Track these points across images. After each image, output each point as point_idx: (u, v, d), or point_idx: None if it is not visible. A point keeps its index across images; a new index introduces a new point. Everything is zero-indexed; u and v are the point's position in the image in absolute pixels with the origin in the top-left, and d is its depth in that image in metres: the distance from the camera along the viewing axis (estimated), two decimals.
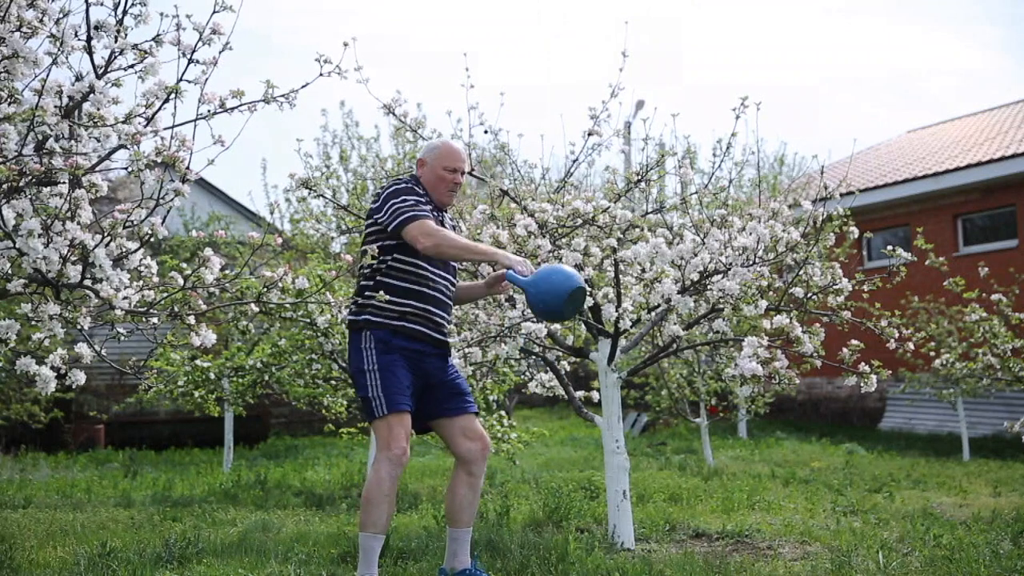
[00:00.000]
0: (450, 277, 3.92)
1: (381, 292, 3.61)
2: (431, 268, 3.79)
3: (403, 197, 3.71)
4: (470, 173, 5.23)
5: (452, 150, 3.88)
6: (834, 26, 47.89)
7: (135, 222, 3.01)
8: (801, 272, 4.68)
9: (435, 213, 3.83)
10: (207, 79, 3.06)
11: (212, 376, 8.13)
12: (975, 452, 10.92)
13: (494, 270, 4.06)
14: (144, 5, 3.08)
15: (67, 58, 3.00)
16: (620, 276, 4.76)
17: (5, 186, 2.84)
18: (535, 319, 4.45)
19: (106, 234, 2.93)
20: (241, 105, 3.09)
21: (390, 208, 3.69)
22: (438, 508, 5.76)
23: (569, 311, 3.66)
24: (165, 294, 3.14)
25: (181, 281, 3.13)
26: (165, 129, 3.01)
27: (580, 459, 9.67)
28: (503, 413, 7.50)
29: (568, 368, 5.79)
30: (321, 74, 3.32)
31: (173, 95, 2.99)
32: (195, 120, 3.06)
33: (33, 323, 3.01)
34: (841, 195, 4.98)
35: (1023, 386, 6.76)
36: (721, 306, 4.63)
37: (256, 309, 3.72)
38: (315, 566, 4.17)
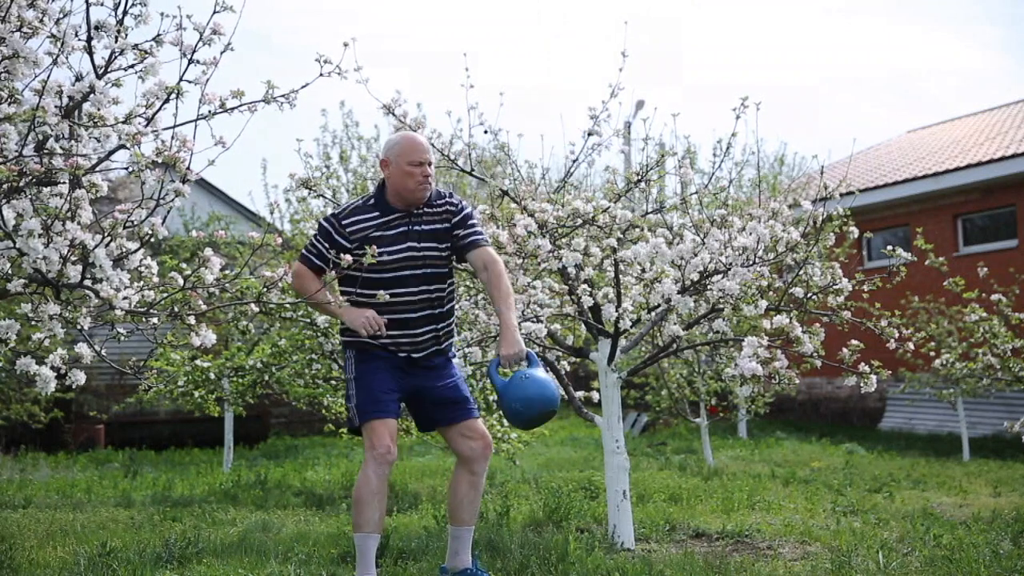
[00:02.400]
0: (425, 289, 3.73)
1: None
2: (376, 292, 3.66)
3: (314, 234, 3.78)
4: (470, 173, 5.23)
5: (414, 143, 3.75)
6: (834, 26, 47.91)
7: (135, 222, 3.01)
8: (801, 272, 4.68)
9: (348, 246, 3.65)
10: (208, 79, 3.06)
11: (212, 376, 8.13)
12: (975, 452, 10.92)
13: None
14: (144, 5, 3.08)
15: (67, 58, 3.00)
16: (620, 276, 4.76)
17: (5, 186, 2.84)
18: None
19: (106, 234, 2.93)
20: (241, 105, 3.09)
21: None
22: (438, 508, 5.76)
23: (531, 424, 3.75)
24: (165, 294, 3.14)
25: (181, 281, 3.13)
26: (165, 129, 3.01)
27: (580, 459, 9.67)
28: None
29: (568, 368, 5.79)
30: (321, 74, 3.32)
31: (174, 95, 2.99)
32: (195, 120, 3.06)
33: (33, 323, 3.01)
34: (841, 195, 4.98)
35: (1023, 386, 6.77)
36: (721, 306, 4.63)
37: (256, 309, 3.73)
38: (315, 566, 4.17)
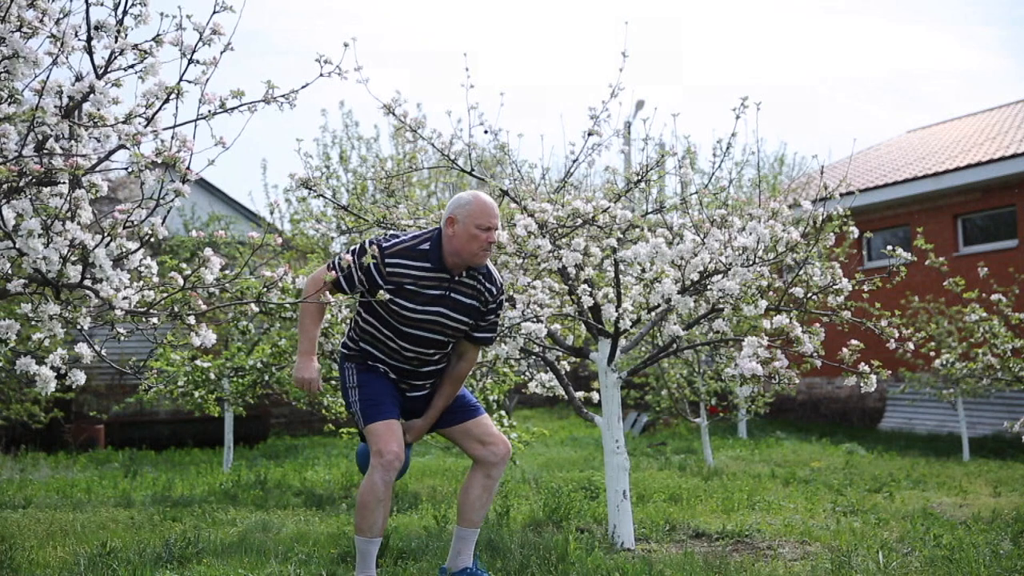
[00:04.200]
0: (432, 352, 3.71)
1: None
2: (391, 337, 3.65)
3: (356, 252, 3.59)
4: (470, 173, 5.23)
5: (484, 206, 3.59)
6: (834, 26, 47.91)
7: (135, 222, 3.01)
8: (801, 272, 4.68)
9: (403, 284, 3.56)
10: (207, 79, 3.06)
11: (212, 376, 8.13)
12: (975, 452, 10.92)
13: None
14: (144, 5, 3.08)
15: (67, 58, 3.00)
16: (620, 276, 4.76)
17: (5, 186, 2.84)
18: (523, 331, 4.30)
19: (106, 234, 2.92)
20: (241, 105, 3.08)
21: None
22: (438, 508, 5.76)
23: None
24: (165, 294, 3.14)
25: (181, 281, 3.13)
26: (165, 129, 3.01)
27: (580, 459, 9.67)
28: (503, 413, 7.50)
29: (568, 368, 5.80)
30: (321, 74, 3.32)
31: (173, 95, 2.99)
32: (195, 120, 3.06)
33: (33, 323, 3.01)
34: (841, 195, 4.98)
35: (1023, 386, 6.77)
36: (721, 306, 4.63)
37: (256, 309, 3.72)
38: (315, 566, 4.17)
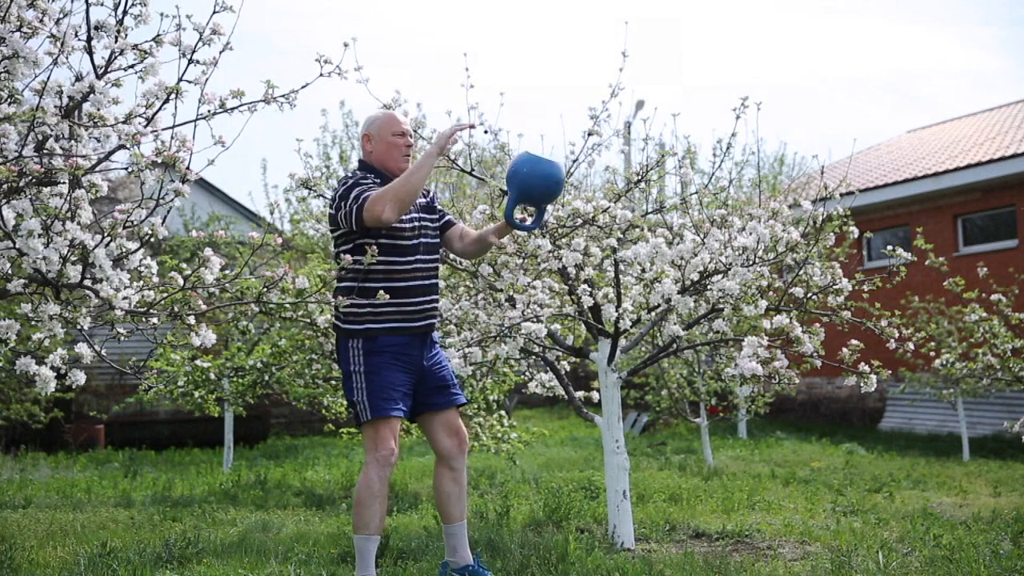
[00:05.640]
0: (429, 259, 3.89)
1: (381, 292, 3.60)
2: (402, 260, 3.74)
3: (348, 194, 3.70)
4: (470, 173, 5.23)
5: (394, 116, 3.93)
6: (834, 26, 47.91)
7: (135, 222, 3.00)
8: (801, 272, 4.68)
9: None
10: (207, 79, 3.06)
11: (212, 376, 8.13)
12: (975, 452, 10.92)
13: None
14: (144, 5, 3.08)
15: (67, 58, 3.00)
16: (620, 276, 4.76)
17: (5, 186, 2.84)
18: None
19: (106, 234, 2.92)
20: (241, 105, 3.08)
21: (346, 210, 3.68)
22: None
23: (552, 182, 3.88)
24: (165, 294, 3.14)
25: (181, 281, 3.13)
26: (165, 129, 3.01)
27: (580, 459, 9.67)
28: (503, 413, 7.49)
29: (568, 368, 5.79)
30: (321, 74, 3.32)
31: (173, 95, 2.99)
32: (195, 120, 3.06)
33: (33, 323, 3.01)
34: (841, 195, 4.98)
35: (1023, 386, 6.77)
36: (721, 306, 4.63)
37: (256, 309, 3.73)
38: (315, 566, 4.17)
